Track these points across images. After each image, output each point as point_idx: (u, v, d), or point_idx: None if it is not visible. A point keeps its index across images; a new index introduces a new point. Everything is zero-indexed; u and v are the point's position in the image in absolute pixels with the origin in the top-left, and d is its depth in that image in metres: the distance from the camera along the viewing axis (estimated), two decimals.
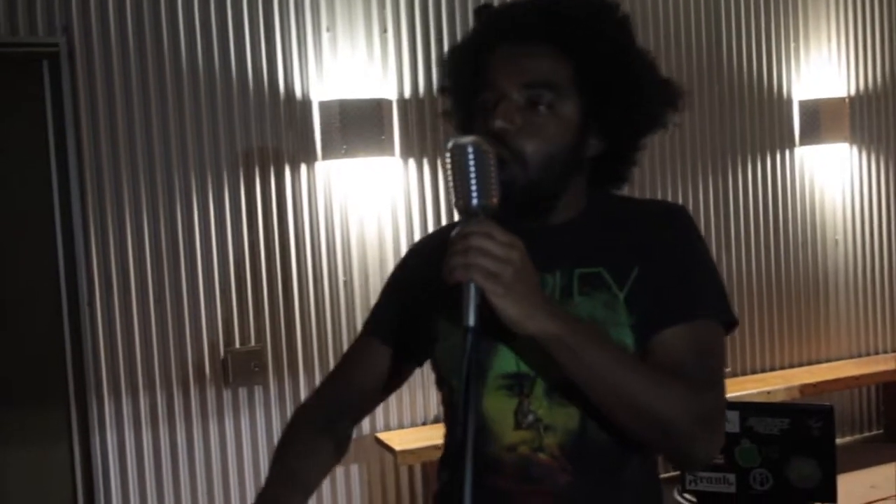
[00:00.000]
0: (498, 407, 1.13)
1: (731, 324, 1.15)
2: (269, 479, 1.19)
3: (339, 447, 1.27)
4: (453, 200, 1.01)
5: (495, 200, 0.99)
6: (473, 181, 0.99)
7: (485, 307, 0.98)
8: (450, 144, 1.00)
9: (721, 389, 1.11)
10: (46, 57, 3.02)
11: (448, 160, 1.00)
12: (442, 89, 1.27)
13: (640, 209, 1.21)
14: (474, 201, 0.99)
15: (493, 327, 1.00)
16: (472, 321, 0.97)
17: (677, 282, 1.12)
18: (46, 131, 3.07)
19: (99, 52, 3.07)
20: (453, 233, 1.00)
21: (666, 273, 1.12)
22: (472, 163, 0.99)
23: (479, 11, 1.24)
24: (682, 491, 2.56)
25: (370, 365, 1.29)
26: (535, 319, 0.99)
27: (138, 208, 3.14)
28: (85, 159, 3.06)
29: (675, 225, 1.17)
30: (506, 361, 1.13)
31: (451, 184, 1.00)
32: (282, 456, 1.23)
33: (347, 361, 1.32)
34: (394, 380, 1.30)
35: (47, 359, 3.11)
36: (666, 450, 1.11)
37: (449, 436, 1.25)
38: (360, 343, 1.32)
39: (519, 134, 1.10)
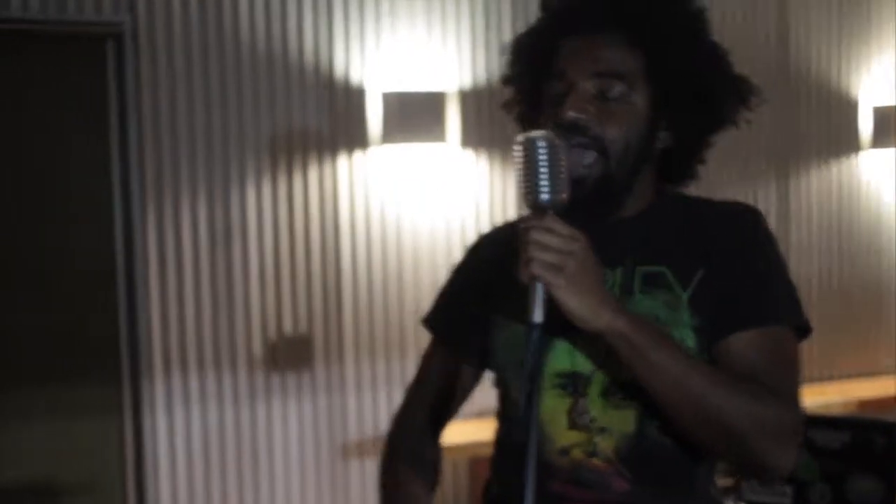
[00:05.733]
0: (552, 406, 1.10)
1: (805, 330, 1.11)
2: None
3: (434, 475, 1.31)
4: (522, 195, 0.99)
5: (565, 196, 0.98)
6: (544, 176, 0.97)
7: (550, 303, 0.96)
8: (520, 138, 0.98)
9: (797, 401, 1.06)
10: (111, 36, 3.05)
11: (518, 154, 0.98)
12: (505, 80, 1.24)
13: (709, 209, 1.18)
14: (543, 196, 0.97)
15: (550, 324, 0.98)
16: (537, 317, 0.95)
17: (748, 285, 1.09)
18: (108, 110, 3.10)
19: (161, 32, 3.09)
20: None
21: (734, 276, 1.09)
22: (543, 157, 0.97)
23: (545, 1, 1.22)
24: (737, 500, 2.49)
25: (447, 379, 1.29)
26: (599, 314, 0.98)
27: (195, 189, 3.16)
28: (145, 139, 3.09)
29: (745, 226, 1.14)
30: (560, 360, 1.10)
31: (519, 178, 0.98)
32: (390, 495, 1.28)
33: (426, 379, 1.33)
34: (472, 385, 1.30)
35: (102, 336, 3.15)
36: (732, 459, 1.09)
37: (502, 433, 1.23)
38: (433, 356, 1.31)
39: (596, 121, 1.08)
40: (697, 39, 1.15)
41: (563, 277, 0.95)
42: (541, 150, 0.97)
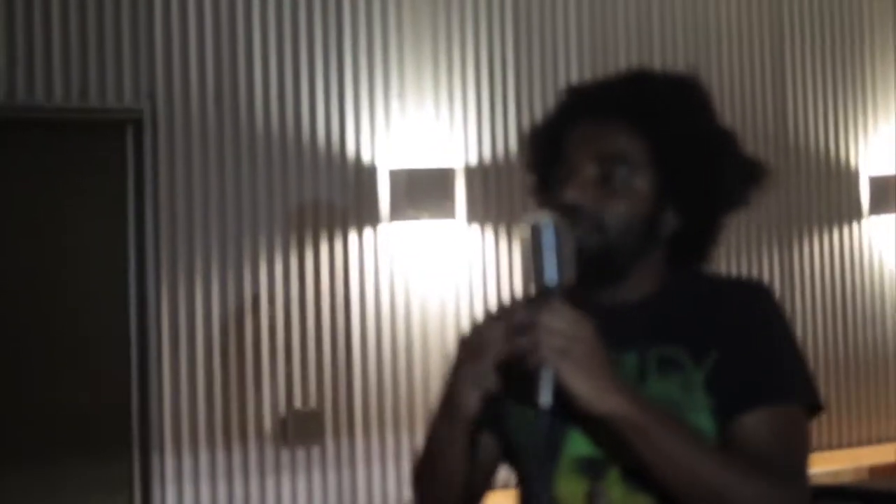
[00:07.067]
0: (571, 491, 1.11)
1: (816, 408, 1.12)
2: None
3: None
4: (529, 277, 1.01)
5: (571, 279, 1.00)
6: (550, 259, 0.99)
7: (560, 388, 0.98)
8: (527, 222, 1.01)
9: (803, 482, 1.07)
10: (131, 122, 3.15)
11: (524, 237, 1.01)
12: (526, 166, 1.28)
13: (720, 286, 1.18)
14: (549, 279, 0.99)
15: (567, 409, 0.99)
16: (545, 402, 0.96)
17: (759, 364, 1.09)
18: (126, 194, 3.18)
19: (179, 117, 3.20)
20: (517, 316, 1.01)
21: (747, 356, 1.09)
22: (548, 241, 0.99)
23: (565, 91, 1.26)
24: None
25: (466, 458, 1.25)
26: (605, 399, 0.98)
27: (208, 269, 3.22)
28: (161, 222, 3.16)
29: (758, 304, 1.14)
30: (578, 445, 1.10)
31: (526, 261, 1.01)
32: None
33: None
34: (493, 462, 1.26)
35: (114, 411, 3.18)
36: None
37: None
38: None
39: (594, 204, 1.10)
40: (701, 124, 1.17)
41: (569, 361, 0.96)
42: (546, 234, 0.99)
